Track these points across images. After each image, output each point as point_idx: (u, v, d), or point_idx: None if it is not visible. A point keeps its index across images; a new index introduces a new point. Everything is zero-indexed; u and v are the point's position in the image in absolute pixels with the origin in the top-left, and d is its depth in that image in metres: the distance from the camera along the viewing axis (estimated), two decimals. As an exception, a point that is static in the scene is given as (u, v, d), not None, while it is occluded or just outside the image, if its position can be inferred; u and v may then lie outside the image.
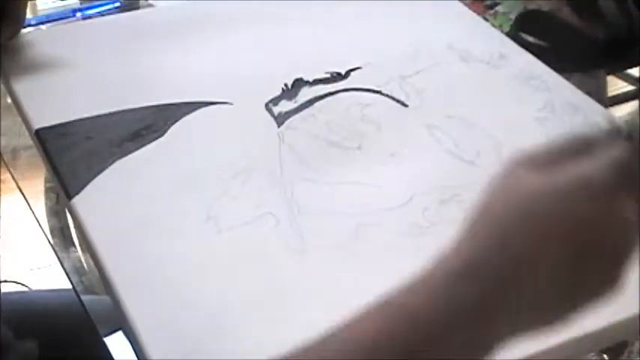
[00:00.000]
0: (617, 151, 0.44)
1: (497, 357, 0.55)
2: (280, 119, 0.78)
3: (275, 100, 0.80)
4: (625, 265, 0.45)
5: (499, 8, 1.28)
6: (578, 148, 0.46)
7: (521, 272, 0.43)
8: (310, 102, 0.79)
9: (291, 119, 0.78)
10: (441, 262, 0.45)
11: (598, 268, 0.44)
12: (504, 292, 0.43)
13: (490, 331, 0.44)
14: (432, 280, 0.44)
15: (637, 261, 0.44)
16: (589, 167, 0.44)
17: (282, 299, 0.61)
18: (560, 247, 0.42)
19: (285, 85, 0.82)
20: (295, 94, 0.81)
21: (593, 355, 1.36)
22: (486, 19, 1.21)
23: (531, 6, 1.26)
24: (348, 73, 0.83)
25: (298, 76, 0.83)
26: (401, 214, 0.67)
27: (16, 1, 0.87)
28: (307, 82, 0.82)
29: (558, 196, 0.43)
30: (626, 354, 1.41)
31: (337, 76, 0.83)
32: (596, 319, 0.57)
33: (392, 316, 0.43)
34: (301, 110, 0.79)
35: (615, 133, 0.46)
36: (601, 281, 0.45)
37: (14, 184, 0.99)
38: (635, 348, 1.41)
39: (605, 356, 1.43)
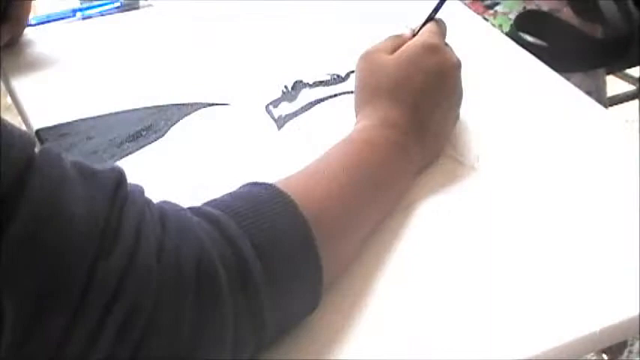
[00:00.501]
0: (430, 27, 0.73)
1: (496, 357, 0.55)
2: (280, 122, 0.78)
3: (275, 102, 0.80)
4: (460, 87, 0.73)
5: (499, 8, 1.28)
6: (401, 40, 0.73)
7: (416, 113, 0.68)
8: (310, 104, 0.79)
9: (291, 122, 0.78)
10: (361, 126, 0.68)
11: (451, 92, 0.72)
12: (407, 125, 0.68)
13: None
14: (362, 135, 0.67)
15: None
16: (423, 38, 0.71)
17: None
18: (429, 91, 0.69)
19: (286, 87, 0.82)
20: (295, 96, 0.81)
21: (593, 355, 1.36)
22: (486, 19, 1.21)
23: (531, 6, 1.26)
24: (348, 75, 0.83)
25: (298, 78, 0.83)
26: (401, 215, 0.67)
27: (18, 3, 0.87)
28: (307, 84, 0.82)
29: (410, 59, 0.69)
30: (625, 354, 1.41)
31: (337, 78, 0.83)
32: (596, 319, 0.57)
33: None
34: (301, 113, 0.79)
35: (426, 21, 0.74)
36: (456, 104, 0.73)
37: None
38: (635, 348, 1.41)
39: (604, 356, 1.43)
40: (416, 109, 0.68)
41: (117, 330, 0.44)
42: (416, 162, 0.69)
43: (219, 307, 0.47)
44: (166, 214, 0.49)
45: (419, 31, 0.73)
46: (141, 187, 0.50)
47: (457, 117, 0.74)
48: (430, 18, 0.74)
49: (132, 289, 0.44)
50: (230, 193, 0.56)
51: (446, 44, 0.73)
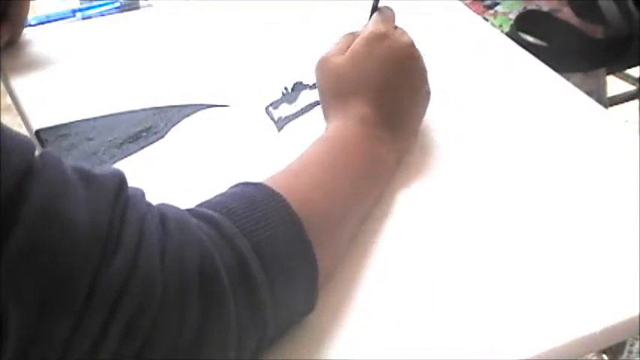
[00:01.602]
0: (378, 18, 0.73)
1: (496, 357, 0.56)
2: (280, 123, 0.78)
3: (275, 104, 0.80)
4: (420, 64, 0.72)
5: (499, 8, 1.28)
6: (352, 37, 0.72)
7: (383, 104, 0.69)
8: (311, 106, 0.79)
9: (291, 123, 0.78)
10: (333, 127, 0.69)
11: (411, 73, 0.71)
12: (380, 121, 0.68)
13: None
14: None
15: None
16: (361, 33, 0.72)
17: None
18: (389, 78, 0.70)
19: (285, 88, 0.82)
20: (295, 98, 0.81)
21: (593, 355, 1.36)
22: (486, 19, 1.21)
23: (531, 6, 1.26)
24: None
25: (298, 79, 0.83)
26: (401, 215, 0.67)
27: (17, 3, 0.87)
28: (307, 86, 0.82)
29: (361, 54, 0.70)
30: (625, 354, 1.41)
31: (337, 79, 0.82)
32: (596, 319, 0.57)
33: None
34: (301, 114, 0.79)
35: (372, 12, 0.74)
36: (420, 82, 0.72)
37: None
38: (635, 348, 1.41)
39: (604, 356, 1.43)
40: (380, 100, 0.69)
41: (121, 333, 0.44)
42: (393, 149, 0.69)
43: (223, 306, 0.48)
44: (167, 216, 0.49)
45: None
46: (141, 191, 0.50)
47: (428, 93, 0.74)
48: (374, 8, 0.74)
49: (136, 292, 0.44)
50: (223, 194, 0.56)
51: (396, 27, 0.73)
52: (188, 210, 0.52)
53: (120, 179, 0.48)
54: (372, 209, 0.66)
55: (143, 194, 0.50)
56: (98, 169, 0.48)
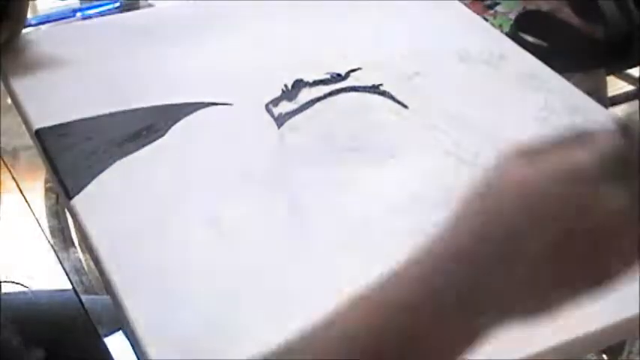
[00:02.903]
0: (609, 142, 0.42)
1: (496, 357, 0.55)
2: (280, 120, 0.78)
3: (275, 101, 0.80)
4: (614, 261, 0.43)
5: (499, 8, 1.28)
6: (570, 140, 0.45)
7: (509, 259, 0.42)
8: (310, 103, 0.79)
9: (291, 120, 0.78)
10: (429, 249, 0.45)
11: (586, 258, 0.42)
12: (492, 279, 0.42)
13: (478, 319, 0.43)
14: (421, 267, 0.44)
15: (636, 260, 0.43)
16: (579, 156, 0.42)
17: (284, 299, 0.61)
18: (549, 234, 0.41)
19: (286, 85, 0.82)
20: (295, 95, 0.81)
21: (593, 355, 1.36)
22: (486, 19, 1.21)
23: (531, 6, 1.26)
24: (348, 73, 0.83)
25: (298, 76, 0.83)
26: (401, 215, 0.67)
27: (17, 1, 0.87)
28: (307, 83, 0.82)
29: (548, 183, 0.42)
30: (625, 354, 1.41)
31: (337, 77, 0.83)
32: (596, 319, 0.57)
33: (381, 305, 0.43)
34: (301, 111, 0.79)
35: (610, 127, 0.43)
36: (587, 272, 0.43)
37: (14, 184, 0.99)
38: (635, 348, 1.41)
39: (604, 356, 1.42)
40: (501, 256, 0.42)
41: None
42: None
43: None
44: None
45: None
46: None
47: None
48: (624, 128, 0.43)
49: None
50: None
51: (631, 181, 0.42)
52: None
53: None
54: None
55: None
56: None
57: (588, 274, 0.43)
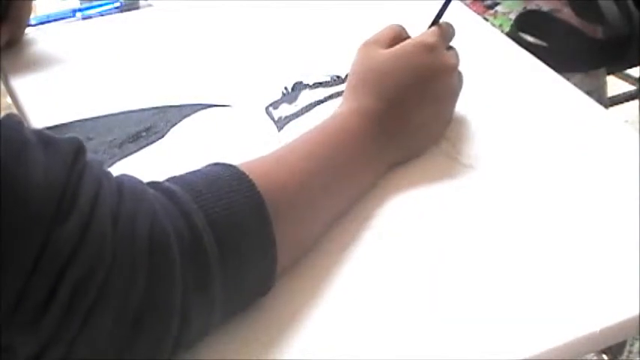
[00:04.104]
0: (439, 30, 0.73)
1: (496, 357, 0.55)
2: (280, 123, 0.78)
3: (275, 104, 0.80)
4: (453, 90, 0.73)
5: (499, 8, 1.28)
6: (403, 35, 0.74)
7: (393, 104, 0.69)
8: (311, 106, 0.79)
9: (291, 123, 0.78)
10: (340, 111, 0.70)
11: (441, 94, 0.72)
12: (386, 120, 0.68)
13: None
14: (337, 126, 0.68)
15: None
16: (428, 38, 0.71)
17: (283, 301, 0.61)
18: (415, 89, 0.70)
19: (286, 88, 0.82)
20: (295, 98, 0.80)
21: (593, 356, 1.36)
22: (486, 19, 1.21)
23: (531, 6, 1.26)
24: (347, 76, 0.83)
25: (298, 79, 0.82)
26: (400, 215, 0.67)
27: (18, 3, 0.87)
28: (307, 86, 0.82)
29: (402, 55, 0.70)
30: (625, 354, 1.41)
31: (337, 80, 0.82)
32: (596, 319, 0.57)
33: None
34: (301, 114, 0.79)
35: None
36: (446, 106, 0.74)
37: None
38: (635, 348, 1.41)
39: (604, 356, 1.43)
40: (398, 103, 0.69)
41: (70, 293, 0.45)
42: (388, 156, 0.70)
43: (170, 275, 0.49)
44: (123, 184, 0.50)
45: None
46: (100, 160, 0.52)
47: (449, 119, 0.75)
48: (435, 22, 0.74)
49: (86, 256, 0.45)
50: (193, 171, 0.57)
51: (450, 47, 0.74)
52: (152, 183, 0.54)
53: (78, 145, 0.49)
54: (350, 207, 0.66)
55: (101, 162, 0.51)
56: (58, 136, 0.49)
57: (450, 102, 0.74)
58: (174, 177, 0.56)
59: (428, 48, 0.70)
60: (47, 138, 0.48)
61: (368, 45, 0.73)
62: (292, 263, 0.60)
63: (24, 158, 0.45)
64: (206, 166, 0.58)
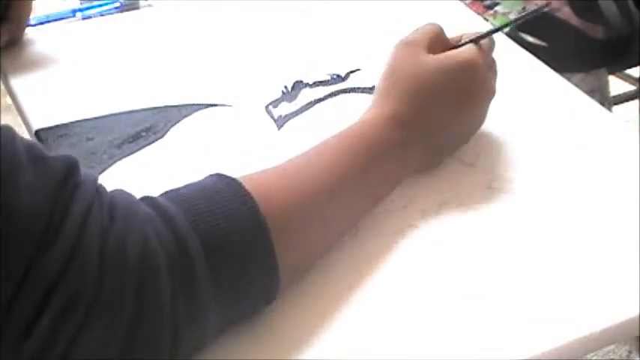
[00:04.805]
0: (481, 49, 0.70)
1: (496, 357, 0.55)
2: (280, 122, 0.78)
3: (275, 103, 0.80)
4: (484, 115, 0.72)
5: (499, 8, 1.28)
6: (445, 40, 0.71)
7: (427, 117, 0.66)
8: (310, 104, 0.79)
9: (291, 122, 0.78)
10: (371, 114, 0.67)
11: (473, 115, 0.71)
12: (417, 132, 0.66)
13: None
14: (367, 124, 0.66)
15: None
16: (463, 51, 0.68)
17: (286, 301, 0.60)
18: (453, 109, 0.68)
19: (285, 87, 0.82)
20: (295, 96, 0.80)
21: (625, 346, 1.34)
22: (486, 19, 1.21)
23: (531, 6, 1.26)
24: (347, 74, 0.83)
25: (298, 78, 0.82)
26: (400, 216, 0.67)
27: (18, 3, 0.87)
28: (307, 84, 0.82)
29: (449, 71, 0.67)
30: (625, 354, 1.41)
31: (337, 78, 0.83)
32: (596, 319, 0.57)
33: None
34: (301, 112, 0.79)
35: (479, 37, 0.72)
36: (472, 127, 0.72)
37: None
38: (635, 348, 1.41)
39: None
40: (433, 116, 0.67)
41: (54, 319, 0.44)
42: (408, 168, 0.68)
43: (159, 307, 0.47)
44: (116, 206, 0.49)
45: (464, 42, 0.71)
46: (94, 176, 0.50)
47: (467, 139, 0.72)
48: (487, 34, 0.72)
49: (72, 280, 0.45)
50: (192, 185, 0.55)
51: (492, 64, 0.73)
52: (147, 199, 0.52)
53: (69, 164, 0.48)
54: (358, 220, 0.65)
55: (95, 180, 0.50)
56: (52, 153, 0.48)
57: (479, 126, 0.73)
58: (172, 191, 0.54)
59: (475, 69, 0.68)
60: (38, 156, 0.46)
61: (408, 46, 0.69)
62: (298, 279, 0.59)
63: (11, 182, 0.44)
64: (207, 178, 0.55)
